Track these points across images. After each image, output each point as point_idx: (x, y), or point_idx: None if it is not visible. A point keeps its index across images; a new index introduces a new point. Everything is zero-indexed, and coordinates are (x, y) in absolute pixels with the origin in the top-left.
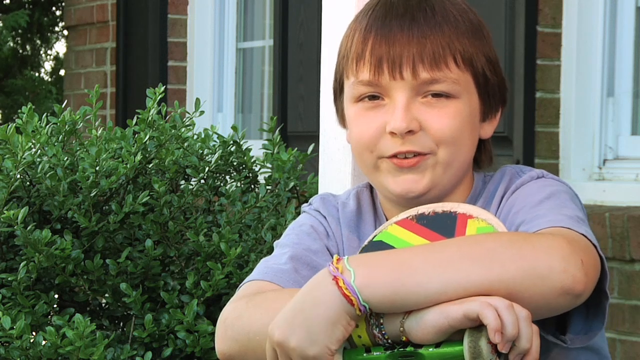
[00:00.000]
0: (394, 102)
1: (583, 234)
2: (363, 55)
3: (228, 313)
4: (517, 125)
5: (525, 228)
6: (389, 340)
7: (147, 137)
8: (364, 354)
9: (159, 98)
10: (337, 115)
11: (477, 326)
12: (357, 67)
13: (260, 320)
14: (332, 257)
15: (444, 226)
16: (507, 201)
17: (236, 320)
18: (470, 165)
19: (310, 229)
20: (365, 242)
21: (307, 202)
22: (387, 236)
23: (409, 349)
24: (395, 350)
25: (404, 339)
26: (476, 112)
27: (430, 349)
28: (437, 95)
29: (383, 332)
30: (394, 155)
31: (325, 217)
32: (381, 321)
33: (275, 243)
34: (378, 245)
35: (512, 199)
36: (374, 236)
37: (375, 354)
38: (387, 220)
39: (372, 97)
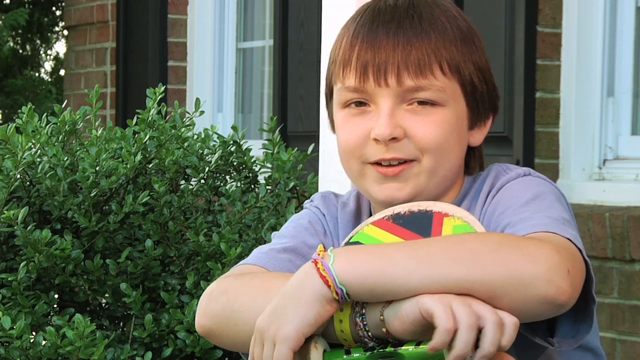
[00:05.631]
0: (378, 108)
1: (569, 239)
2: (349, 62)
3: (214, 287)
4: (517, 125)
5: (511, 231)
6: (369, 333)
7: (147, 137)
8: (344, 356)
9: (159, 98)
10: (328, 120)
11: None
12: (343, 73)
13: (246, 295)
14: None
15: (420, 225)
16: (492, 200)
17: (222, 294)
18: (460, 172)
19: (309, 225)
20: (342, 244)
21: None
22: (364, 237)
23: (388, 349)
24: (375, 351)
25: (384, 330)
26: (463, 120)
27: (410, 349)
28: (422, 102)
29: (364, 322)
30: (378, 163)
31: (324, 215)
32: (364, 311)
33: (273, 234)
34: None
35: (497, 198)
36: (351, 237)
37: (355, 355)
38: None
39: (359, 104)
